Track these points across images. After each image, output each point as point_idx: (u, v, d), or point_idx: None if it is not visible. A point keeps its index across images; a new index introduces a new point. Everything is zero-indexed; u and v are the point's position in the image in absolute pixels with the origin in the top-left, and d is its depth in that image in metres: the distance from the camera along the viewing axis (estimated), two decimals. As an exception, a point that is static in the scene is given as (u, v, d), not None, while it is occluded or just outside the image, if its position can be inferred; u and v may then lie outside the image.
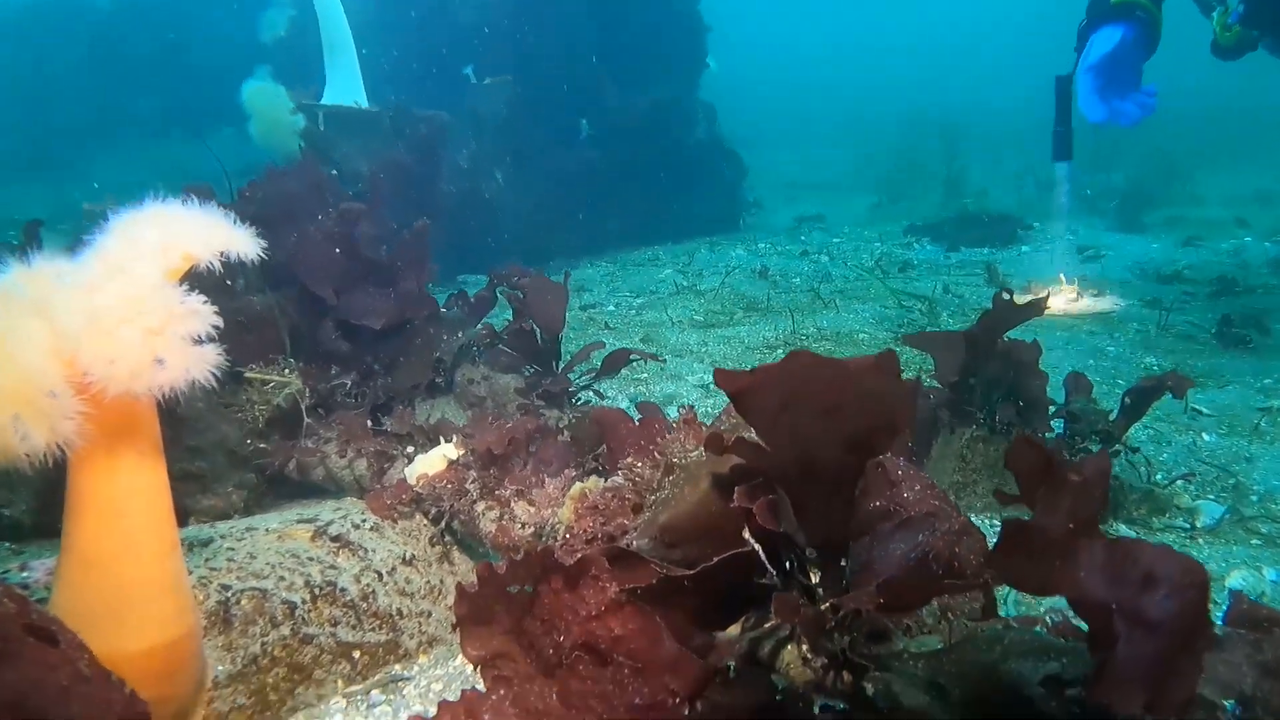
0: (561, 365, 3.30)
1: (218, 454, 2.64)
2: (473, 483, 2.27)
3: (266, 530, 2.20)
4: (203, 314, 1.46)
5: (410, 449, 2.55)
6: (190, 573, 1.95)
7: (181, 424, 2.52)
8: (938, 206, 10.75)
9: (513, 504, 2.16)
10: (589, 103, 9.19)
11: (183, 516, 2.52)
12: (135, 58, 11.76)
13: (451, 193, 7.43)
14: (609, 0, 8.93)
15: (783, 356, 1.20)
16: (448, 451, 2.36)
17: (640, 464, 1.67)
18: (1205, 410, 3.77)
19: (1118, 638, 0.98)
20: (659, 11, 9.62)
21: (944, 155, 12.34)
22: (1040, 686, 1.25)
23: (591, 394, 3.32)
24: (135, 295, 1.39)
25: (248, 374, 2.73)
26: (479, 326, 3.39)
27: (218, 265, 1.55)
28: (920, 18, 38.22)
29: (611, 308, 6.39)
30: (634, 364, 4.43)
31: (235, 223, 1.61)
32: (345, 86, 6.44)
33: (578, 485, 1.75)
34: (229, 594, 1.93)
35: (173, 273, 1.49)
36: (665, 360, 4.51)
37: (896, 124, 15.90)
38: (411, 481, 2.37)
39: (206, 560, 2.02)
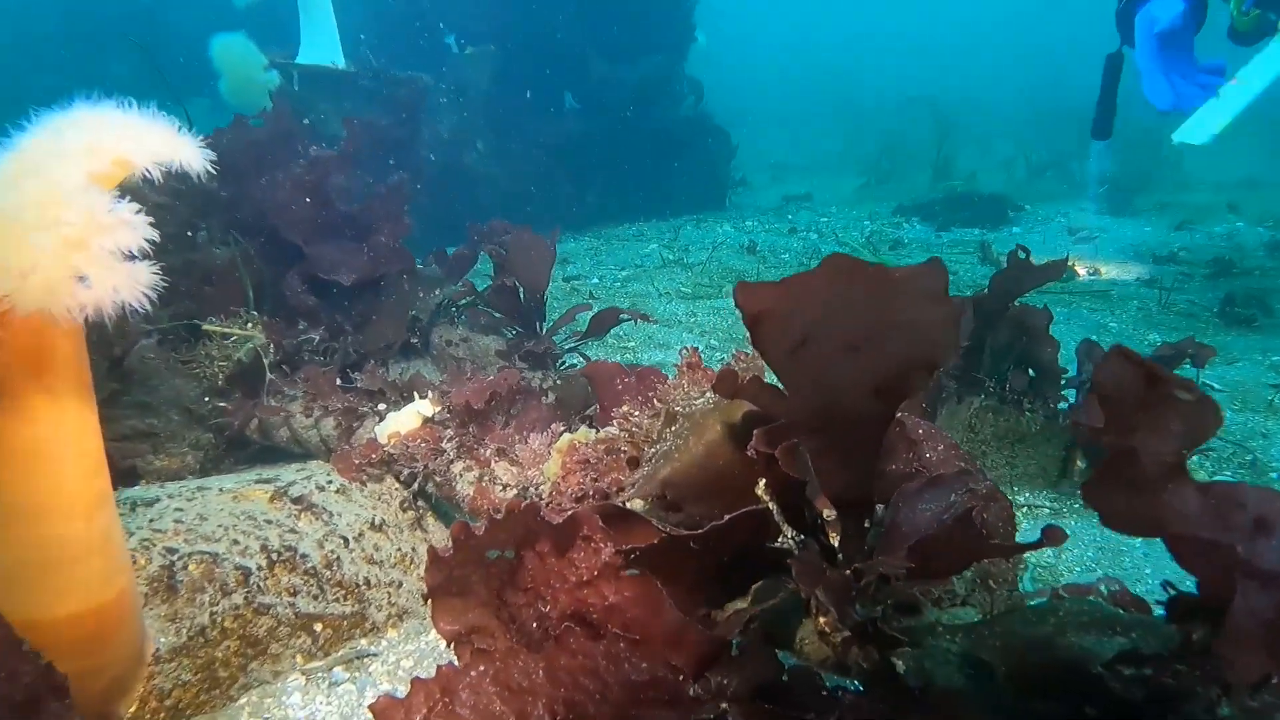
0: (546, 327, 3.10)
1: (171, 411, 2.42)
2: (450, 441, 2.06)
3: (220, 490, 1.99)
4: (135, 225, 1.24)
5: (382, 406, 2.34)
6: (130, 534, 1.75)
7: (130, 376, 2.30)
8: (926, 188, 10.60)
9: (493, 463, 1.95)
10: (573, 75, 8.96)
11: (132, 478, 2.31)
12: (106, 23, 11.35)
13: (431, 161, 7.19)
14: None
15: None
16: (422, 408, 2.16)
17: (637, 413, 1.48)
18: (1216, 386, 3.63)
19: (1235, 591, 0.81)
20: (646, -17, 9.38)
21: (934, 138, 12.17)
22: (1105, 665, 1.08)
23: (578, 357, 3.13)
24: (52, 198, 1.18)
25: (206, 326, 2.52)
26: (459, 284, 3.18)
27: (157, 175, 1.34)
28: (912, 6, 37.98)
29: (596, 280, 6.19)
30: (621, 332, 4.24)
31: (181, 130, 1.41)
32: (321, 46, 6.17)
33: (566, 436, 1.55)
34: (174, 558, 1.73)
35: (102, 179, 1.28)
36: (656, 321, 4.31)
37: (886, 108, 15.73)
38: (382, 440, 2.16)
39: (150, 521, 1.81)
